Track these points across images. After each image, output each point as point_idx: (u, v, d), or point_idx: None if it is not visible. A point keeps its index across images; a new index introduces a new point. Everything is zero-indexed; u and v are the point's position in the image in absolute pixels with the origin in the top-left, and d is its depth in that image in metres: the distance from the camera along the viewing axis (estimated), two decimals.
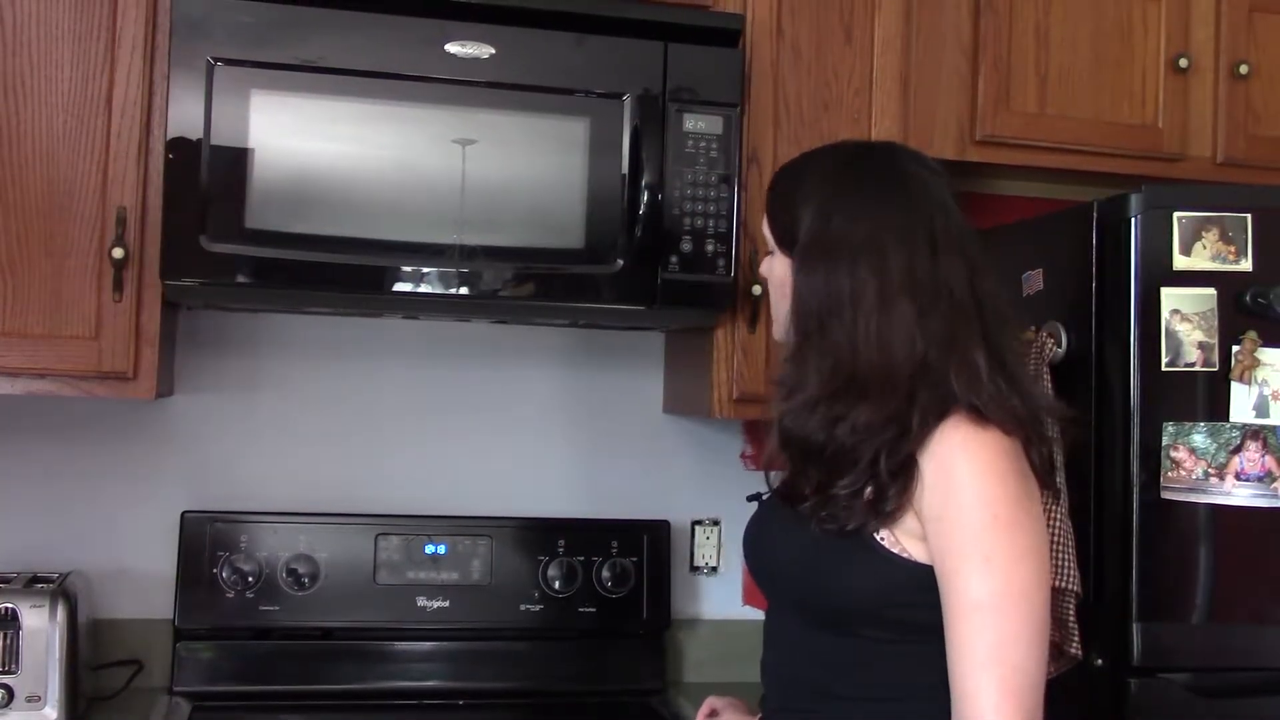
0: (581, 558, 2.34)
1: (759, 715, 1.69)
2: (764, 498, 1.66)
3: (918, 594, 1.43)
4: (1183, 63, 2.38)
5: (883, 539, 1.45)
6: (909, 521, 1.44)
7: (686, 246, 2.04)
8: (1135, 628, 1.83)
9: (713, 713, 1.87)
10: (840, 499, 1.46)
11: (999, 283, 1.55)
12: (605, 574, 2.34)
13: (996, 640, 1.37)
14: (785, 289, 1.57)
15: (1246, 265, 1.85)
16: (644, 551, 2.35)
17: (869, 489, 1.45)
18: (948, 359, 1.44)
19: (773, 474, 1.63)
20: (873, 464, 1.44)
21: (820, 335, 1.49)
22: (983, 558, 1.39)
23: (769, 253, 1.62)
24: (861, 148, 1.67)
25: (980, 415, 1.43)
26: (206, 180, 1.90)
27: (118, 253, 1.92)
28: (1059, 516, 1.84)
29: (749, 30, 2.16)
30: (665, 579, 2.40)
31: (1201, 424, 1.83)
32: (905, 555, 1.45)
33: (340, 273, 1.95)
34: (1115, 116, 2.37)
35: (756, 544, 1.66)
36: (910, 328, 1.45)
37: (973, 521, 1.39)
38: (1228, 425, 1.82)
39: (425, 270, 1.98)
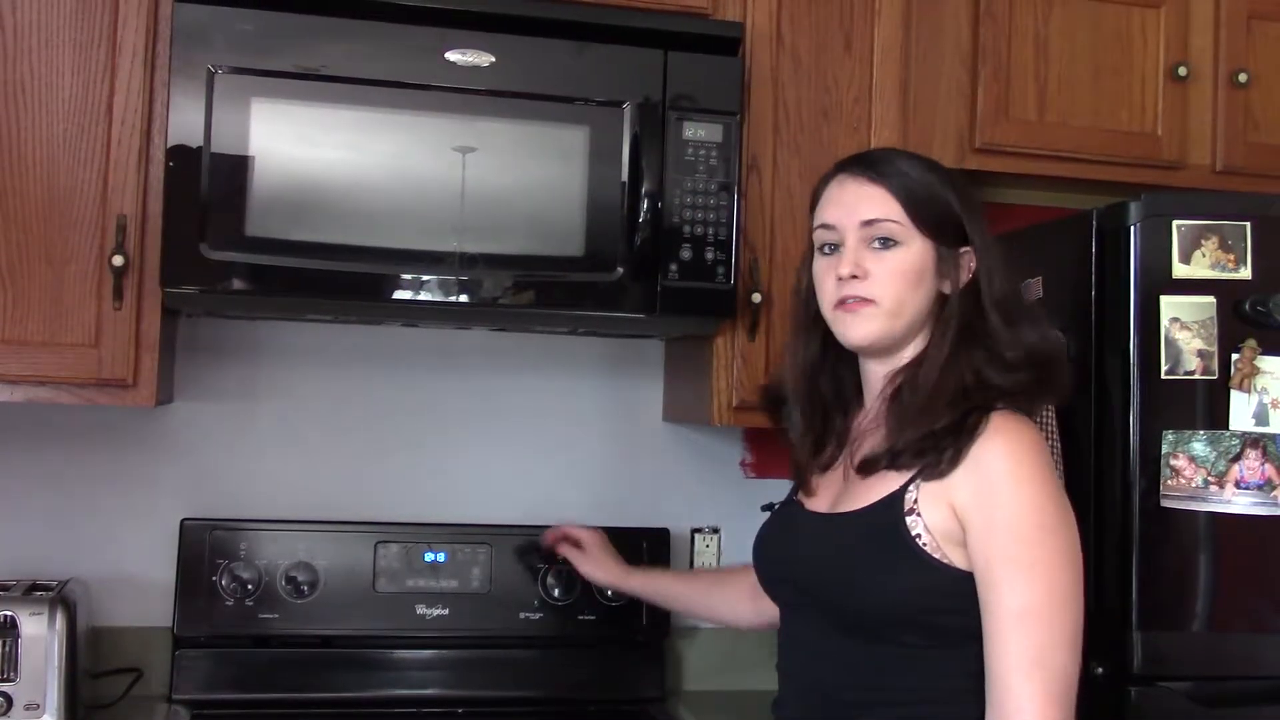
0: None
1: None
2: (777, 507, 1.66)
3: (955, 600, 1.45)
4: (1182, 71, 2.38)
5: (925, 544, 1.46)
6: (947, 522, 1.45)
7: (686, 254, 2.04)
8: (1135, 636, 1.82)
9: (567, 540, 2.14)
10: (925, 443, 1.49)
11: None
12: None
13: (1040, 646, 1.39)
14: (922, 276, 1.57)
15: (1246, 273, 1.85)
16: (644, 559, 2.34)
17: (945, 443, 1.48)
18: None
19: (766, 481, 1.63)
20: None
21: (982, 320, 1.55)
22: (1028, 564, 1.40)
23: (833, 247, 1.60)
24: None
25: (1015, 414, 1.46)
26: (207, 188, 1.90)
27: (118, 260, 1.92)
28: None
29: (748, 38, 2.16)
30: None
31: (1201, 432, 1.83)
32: (947, 561, 1.46)
33: (340, 280, 1.95)
34: (1114, 124, 2.37)
35: (778, 550, 1.66)
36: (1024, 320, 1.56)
37: (1018, 529, 1.41)
38: (1227, 433, 1.82)
39: (425, 278, 1.98)
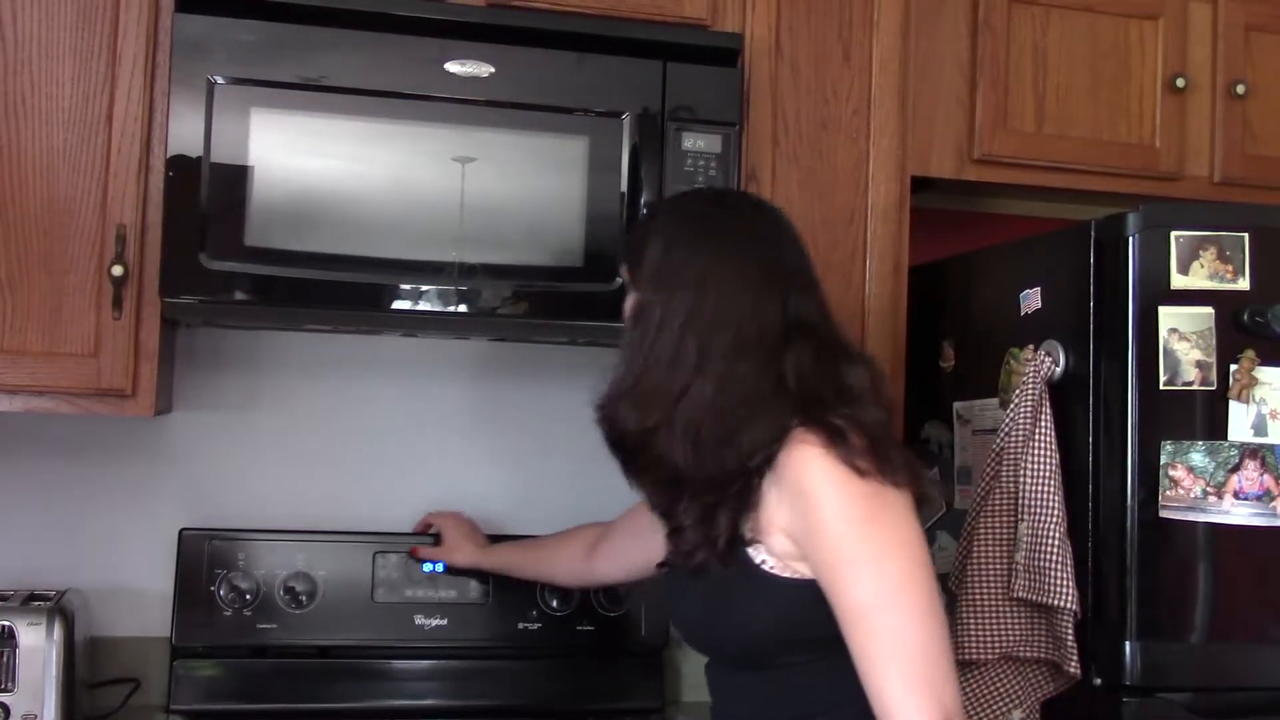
0: None
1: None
2: (667, 563, 1.68)
3: (815, 610, 1.48)
4: (1180, 82, 2.38)
5: (772, 568, 1.51)
6: (783, 544, 1.50)
7: None
8: (1133, 646, 1.82)
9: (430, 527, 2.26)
10: (687, 528, 1.55)
11: (826, 308, 1.62)
12: (603, 593, 2.34)
13: (888, 635, 1.42)
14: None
15: (1244, 284, 1.85)
16: None
17: (725, 511, 1.52)
18: (767, 407, 1.51)
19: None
20: (695, 493, 1.54)
21: (628, 347, 1.59)
22: (850, 561, 1.45)
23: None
24: (707, 193, 1.83)
25: (809, 429, 1.49)
26: (206, 198, 1.90)
27: (117, 270, 1.92)
28: (1057, 535, 1.84)
29: (748, 49, 2.17)
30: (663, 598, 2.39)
31: (1200, 443, 1.83)
32: (795, 576, 1.50)
33: (339, 290, 1.95)
34: (1113, 136, 2.38)
35: (673, 612, 1.73)
36: (722, 371, 1.52)
37: (834, 530, 1.45)
38: (1226, 444, 1.82)
39: (424, 288, 1.98)
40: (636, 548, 1.92)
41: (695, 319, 1.53)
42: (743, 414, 1.50)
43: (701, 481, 1.53)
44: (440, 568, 2.29)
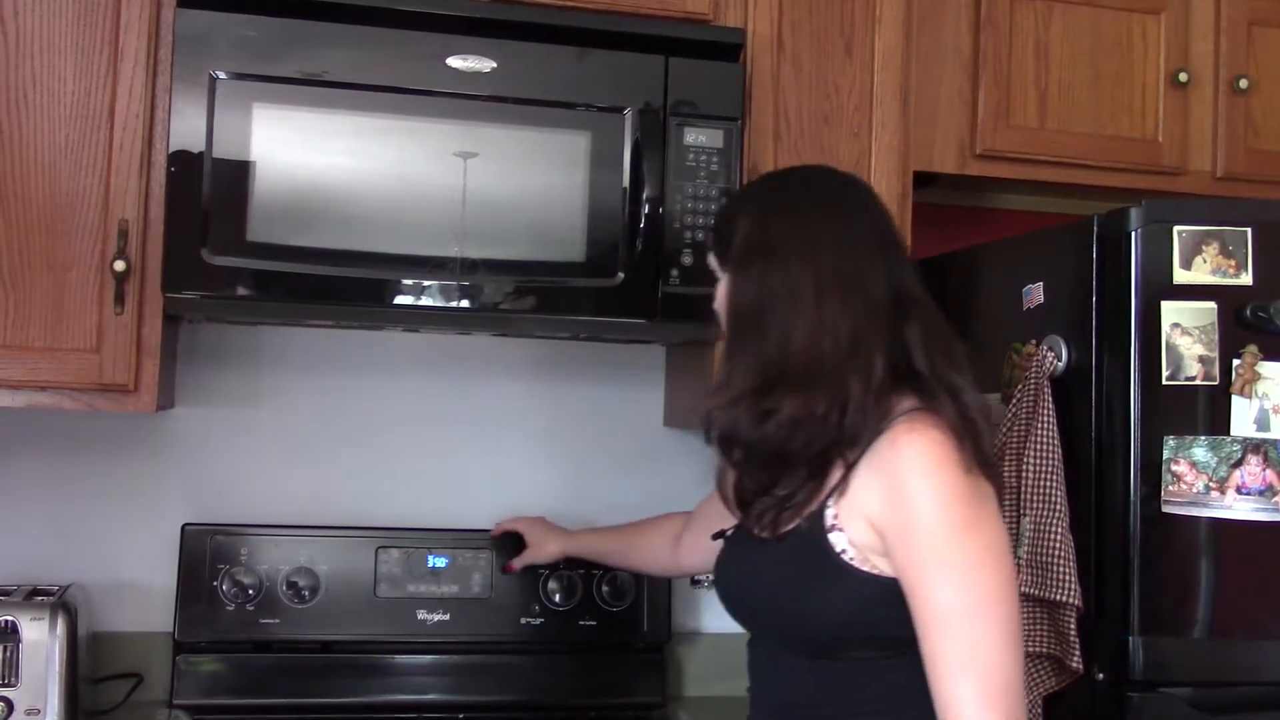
0: (582, 571, 2.34)
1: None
2: (729, 533, 1.66)
3: (889, 609, 1.44)
4: (1182, 77, 2.38)
5: (851, 558, 1.46)
6: (866, 534, 1.45)
7: (687, 260, 2.04)
8: (1136, 642, 1.82)
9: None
10: (778, 500, 1.50)
11: (923, 289, 1.56)
12: (605, 588, 2.34)
13: (970, 645, 1.38)
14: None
15: (1247, 279, 1.85)
16: None
17: (804, 489, 1.48)
18: (875, 359, 1.45)
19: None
20: (808, 462, 1.47)
21: (752, 333, 1.50)
22: (945, 564, 1.39)
23: (717, 280, 1.64)
24: (794, 169, 1.72)
25: (924, 416, 1.44)
26: (208, 193, 1.90)
27: (119, 265, 1.92)
28: (1060, 530, 1.84)
29: (750, 44, 2.16)
30: (665, 593, 2.40)
31: (1202, 438, 1.83)
32: (874, 572, 1.45)
33: (341, 286, 1.95)
34: (1115, 131, 2.37)
35: (729, 580, 1.66)
36: (839, 324, 1.46)
37: (931, 529, 1.40)
38: (1228, 439, 1.82)
39: (426, 283, 1.98)
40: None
41: (824, 282, 1.46)
42: (865, 387, 1.44)
43: (805, 459, 1.47)
44: (443, 562, 2.29)
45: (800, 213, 1.53)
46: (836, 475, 1.47)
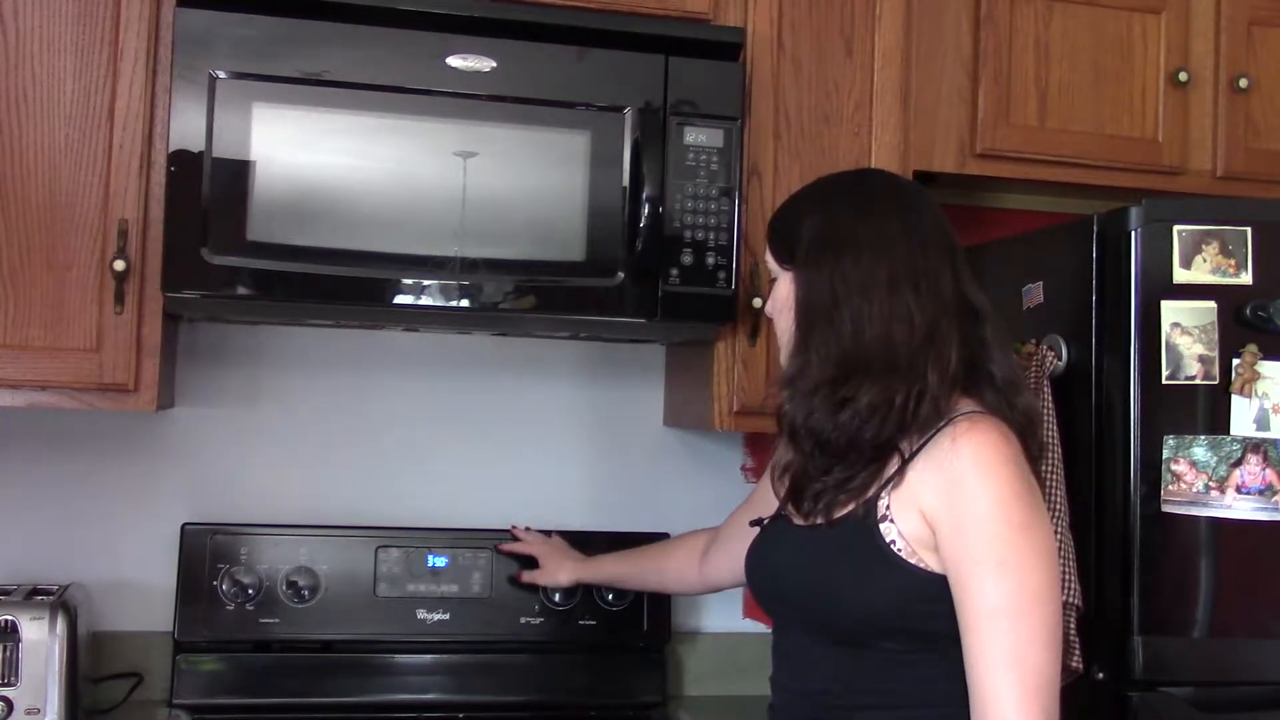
0: None
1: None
2: (766, 522, 1.66)
3: (933, 604, 1.45)
4: (1182, 76, 2.38)
5: (900, 550, 1.46)
6: (918, 527, 1.46)
7: (687, 259, 2.04)
8: (1136, 641, 1.82)
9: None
10: (837, 481, 1.50)
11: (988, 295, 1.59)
12: (606, 586, 2.34)
13: (1015, 644, 1.39)
14: (790, 304, 1.59)
15: (1246, 278, 1.85)
16: None
17: (863, 474, 1.49)
18: (949, 351, 1.48)
19: (773, 497, 1.63)
20: (873, 449, 1.48)
21: (826, 325, 1.51)
22: (998, 562, 1.40)
23: (772, 280, 1.65)
24: (855, 171, 1.77)
25: (983, 416, 1.46)
26: (208, 193, 1.90)
27: (119, 265, 1.92)
28: (1060, 530, 1.84)
29: (750, 44, 2.16)
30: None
31: (1202, 437, 1.83)
32: (922, 565, 1.46)
33: (341, 285, 1.95)
34: (1115, 130, 2.37)
35: (764, 567, 1.66)
36: (914, 315, 1.48)
37: (987, 527, 1.41)
38: (1228, 438, 1.82)
39: (426, 283, 1.98)
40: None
41: (897, 274, 1.48)
42: (941, 377, 1.46)
43: (872, 447, 1.48)
44: (443, 562, 2.30)
45: (870, 211, 1.55)
46: (893, 466, 1.49)
